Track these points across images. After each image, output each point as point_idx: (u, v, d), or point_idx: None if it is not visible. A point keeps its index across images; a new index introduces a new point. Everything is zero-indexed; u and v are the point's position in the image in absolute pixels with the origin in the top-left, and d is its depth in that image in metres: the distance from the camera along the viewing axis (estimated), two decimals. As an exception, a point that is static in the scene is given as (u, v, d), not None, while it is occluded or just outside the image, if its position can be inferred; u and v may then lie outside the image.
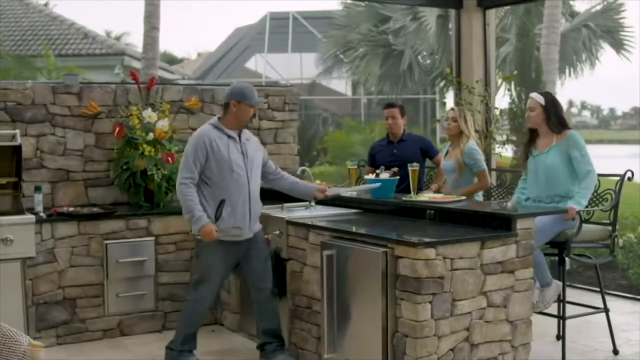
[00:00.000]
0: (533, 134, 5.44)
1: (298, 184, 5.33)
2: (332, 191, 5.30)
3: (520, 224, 4.60)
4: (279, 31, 23.81)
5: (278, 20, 24.06)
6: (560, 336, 5.60)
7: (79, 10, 61.10)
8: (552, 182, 5.23)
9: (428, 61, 18.05)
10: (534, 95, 5.43)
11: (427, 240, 4.27)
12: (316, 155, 18.77)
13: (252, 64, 27.54)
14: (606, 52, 17.20)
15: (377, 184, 5.43)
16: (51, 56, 13.49)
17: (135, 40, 70.63)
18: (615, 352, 5.43)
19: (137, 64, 17.41)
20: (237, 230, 4.92)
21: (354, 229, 4.82)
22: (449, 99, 10.34)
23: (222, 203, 4.88)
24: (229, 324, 6.08)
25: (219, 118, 5.05)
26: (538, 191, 5.31)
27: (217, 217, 4.86)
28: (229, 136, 4.95)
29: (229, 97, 4.98)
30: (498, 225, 4.64)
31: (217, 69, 26.11)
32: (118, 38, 27.57)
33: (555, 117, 5.29)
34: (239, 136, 4.99)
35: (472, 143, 5.96)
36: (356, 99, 25.92)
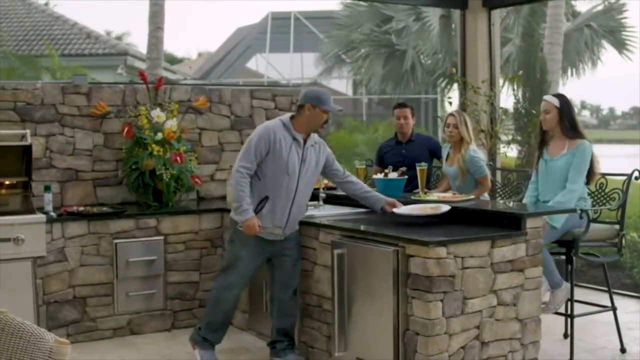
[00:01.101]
0: (545, 137, 5.46)
1: (369, 193, 5.25)
2: (402, 209, 5.10)
3: (529, 223, 4.64)
4: (281, 31, 23.84)
5: (280, 20, 24.09)
6: (568, 334, 5.66)
7: (78, 11, 61.08)
8: (562, 186, 5.27)
9: (429, 62, 18.07)
10: (549, 97, 5.45)
11: (438, 239, 4.31)
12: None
13: (253, 64, 27.58)
14: (607, 52, 17.25)
15: (446, 207, 4.97)
16: (56, 56, 13.52)
17: (135, 40, 70.69)
18: (623, 350, 5.47)
19: (139, 64, 17.45)
20: (278, 229, 4.95)
21: (364, 228, 4.84)
22: (452, 99, 10.45)
23: (265, 199, 4.91)
24: (238, 322, 6.11)
25: (291, 117, 4.99)
26: (549, 194, 5.36)
27: (255, 212, 4.89)
28: (294, 138, 4.90)
29: (304, 99, 4.92)
30: (508, 224, 4.67)
31: (218, 69, 26.13)
32: (119, 38, 27.60)
33: (568, 120, 5.31)
34: (305, 140, 4.95)
35: (473, 149, 5.96)
36: (356, 98, 25.95)
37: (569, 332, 5.59)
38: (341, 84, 26.46)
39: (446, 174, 6.19)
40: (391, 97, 20.08)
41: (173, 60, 33.65)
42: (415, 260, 4.32)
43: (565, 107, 5.34)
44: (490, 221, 4.79)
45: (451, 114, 6.11)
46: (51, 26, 17.93)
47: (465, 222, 4.91)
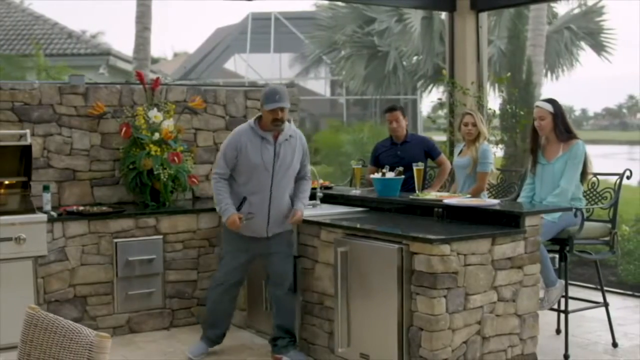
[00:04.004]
0: (537, 141, 5.58)
1: (296, 196, 5.26)
2: (451, 200, 5.19)
3: (528, 221, 4.77)
4: (261, 31, 23.86)
5: (260, 21, 24.10)
6: (560, 330, 5.82)
7: (51, 9, 60.54)
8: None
9: (405, 63, 18.19)
10: (542, 104, 5.55)
11: (442, 236, 4.42)
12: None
13: (231, 64, 27.54)
14: (585, 53, 17.49)
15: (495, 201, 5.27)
16: (41, 56, 13.46)
17: (110, 39, 70.15)
18: (615, 344, 5.62)
19: (122, 64, 17.42)
20: (262, 226, 5.07)
21: (368, 227, 4.93)
22: (429, 99, 10.63)
23: (243, 200, 5.08)
24: (237, 321, 6.16)
25: (258, 117, 5.13)
26: (545, 195, 5.49)
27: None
28: (262, 138, 5.05)
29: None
30: (506, 222, 4.80)
31: (198, 70, 26.07)
32: (93, 37, 27.43)
33: (562, 125, 5.44)
34: (276, 137, 5.06)
35: (487, 144, 6.15)
36: (334, 99, 26.08)
37: (561, 327, 5.76)
38: (318, 84, 26.56)
39: (455, 166, 6.34)
40: (371, 97, 20.21)
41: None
42: (419, 258, 4.42)
43: (559, 112, 5.46)
44: (488, 219, 4.90)
45: (468, 113, 6.26)
46: (32, 26, 17.82)
47: (462, 219, 5.03)
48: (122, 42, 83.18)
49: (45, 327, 2.71)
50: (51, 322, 2.70)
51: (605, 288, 7.31)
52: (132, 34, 12.91)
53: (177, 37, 78.54)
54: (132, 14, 12.89)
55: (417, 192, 5.71)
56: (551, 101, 5.54)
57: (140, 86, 6.59)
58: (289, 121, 5.14)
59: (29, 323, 2.78)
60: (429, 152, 6.67)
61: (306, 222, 5.37)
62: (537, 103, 5.62)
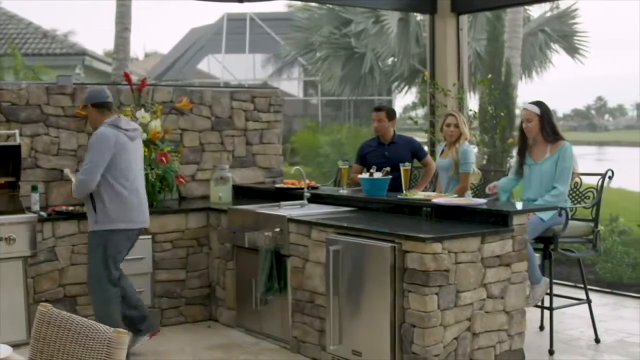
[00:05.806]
0: (525, 143, 5.71)
1: None
2: (440, 200, 5.31)
3: (516, 220, 4.88)
4: (237, 32, 23.86)
5: (235, 22, 24.10)
6: (543, 327, 5.96)
7: (22, 7, 59.84)
8: (545, 186, 5.54)
9: (381, 64, 18.31)
10: (529, 106, 5.68)
11: (434, 235, 4.52)
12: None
13: (205, 64, 27.49)
14: (558, 55, 17.74)
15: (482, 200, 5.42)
16: (18, 55, 13.38)
17: (81, 39, 69.55)
18: (597, 340, 5.76)
19: (98, 64, 17.34)
20: None
21: (360, 226, 5.01)
22: (402, 100, 10.74)
23: None
24: (225, 319, 6.23)
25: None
26: (532, 194, 5.62)
27: None
28: None
29: None
30: (494, 221, 4.91)
31: (171, 70, 25.99)
32: (66, 36, 27.23)
33: (549, 126, 5.58)
34: None
35: (468, 144, 6.27)
36: (307, 100, 26.18)
37: (544, 324, 5.89)
38: (291, 85, 26.62)
39: (438, 167, 6.46)
40: (345, 99, 20.31)
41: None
42: (412, 256, 4.51)
43: (545, 114, 5.59)
44: (476, 218, 5.01)
45: (451, 114, 6.38)
46: (6, 25, 17.66)
47: (450, 218, 5.13)
48: (94, 42, 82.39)
49: (58, 324, 2.75)
50: (64, 320, 2.74)
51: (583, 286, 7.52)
52: (104, 34, 12.97)
53: (149, 37, 77.95)
54: (104, 13, 12.92)
55: (404, 191, 5.81)
56: (538, 103, 5.66)
57: (127, 87, 6.61)
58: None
59: (41, 320, 2.81)
60: (416, 153, 6.76)
61: (296, 221, 5.44)
62: (524, 105, 5.76)
